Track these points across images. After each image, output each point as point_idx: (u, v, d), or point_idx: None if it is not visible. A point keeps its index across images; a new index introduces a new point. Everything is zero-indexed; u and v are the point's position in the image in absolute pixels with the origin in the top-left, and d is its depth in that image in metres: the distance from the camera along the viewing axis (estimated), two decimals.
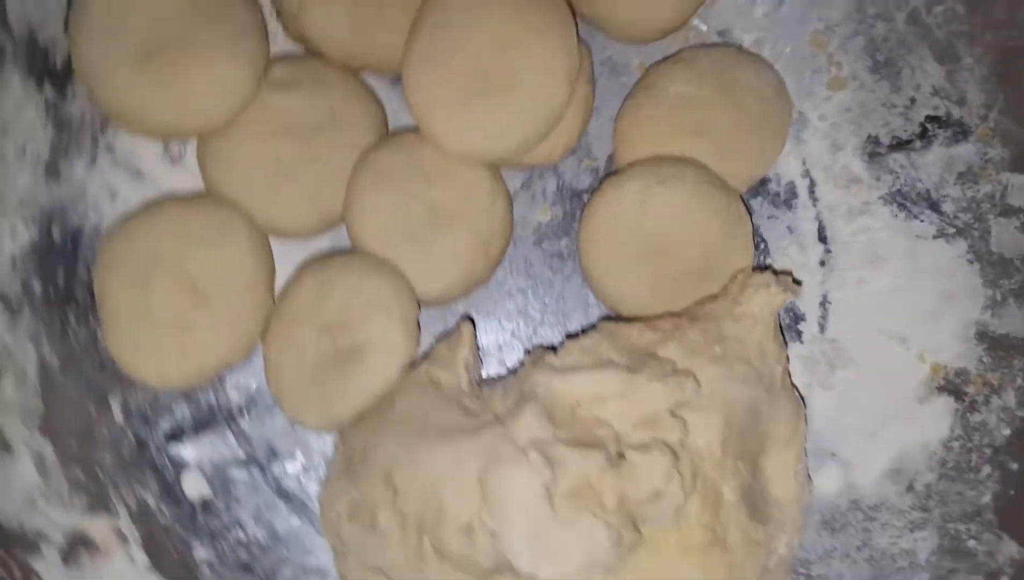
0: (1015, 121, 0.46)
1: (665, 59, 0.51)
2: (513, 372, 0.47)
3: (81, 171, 0.46)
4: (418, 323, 0.46)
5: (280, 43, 0.48)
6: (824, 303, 0.51)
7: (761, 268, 0.49)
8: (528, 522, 0.36)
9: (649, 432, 0.40)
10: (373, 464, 0.40)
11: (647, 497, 0.38)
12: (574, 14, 0.48)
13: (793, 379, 0.49)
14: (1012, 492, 0.42)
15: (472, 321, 0.48)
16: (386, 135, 0.49)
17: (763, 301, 0.45)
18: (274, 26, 0.48)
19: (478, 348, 0.48)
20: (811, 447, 0.48)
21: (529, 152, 0.48)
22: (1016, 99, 0.45)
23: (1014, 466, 0.42)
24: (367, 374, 0.44)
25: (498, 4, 0.45)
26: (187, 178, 0.48)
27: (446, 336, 0.47)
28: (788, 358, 0.45)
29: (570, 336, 0.45)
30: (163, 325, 0.44)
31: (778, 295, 0.44)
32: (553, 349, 0.44)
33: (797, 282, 0.48)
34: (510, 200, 0.49)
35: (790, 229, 0.52)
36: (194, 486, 0.47)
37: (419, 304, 0.47)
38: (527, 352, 0.46)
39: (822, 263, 0.52)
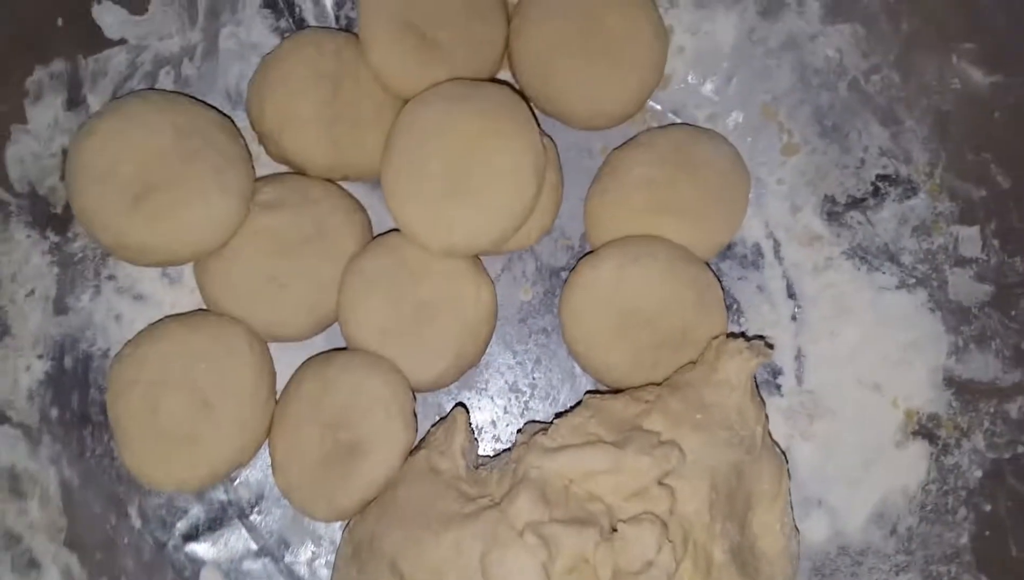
0: (959, 177, 0.48)
1: (626, 143, 0.54)
2: (508, 450, 0.49)
3: (87, 301, 0.49)
4: (415, 413, 0.48)
5: (264, 163, 0.51)
6: (799, 357, 0.53)
7: (734, 334, 0.51)
8: None
9: (639, 504, 0.42)
10: (379, 552, 0.41)
11: (640, 567, 0.40)
12: (535, 112, 0.51)
13: (775, 431, 0.51)
14: (988, 533, 0.43)
15: (465, 407, 0.50)
16: (370, 237, 0.52)
17: (738, 367, 0.47)
18: (256, 149, 0.50)
19: (472, 430, 0.50)
20: (797, 496, 0.50)
21: (506, 242, 0.50)
22: (957, 157, 0.48)
23: (987, 508, 0.44)
24: (370, 467, 0.46)
25: (465, 112, 0.48)
26: (186, 295, 0.51)
27: (441, 422, 0.48)
28: (767, 417, 0.47)
29: (559, 414, 0.47)
30: (174, 438, 0.46)
31: (751, 360, 0.46)
32: (544, 426, 0.46)
33: (769, 346, 0.50)
34: (493, 287, 0.52)
35: (760, 288, 0.54)
36: None
37: (415, 394, 0.49)
38: (519, 431, 0.48)
39: (794, 318, 0.54)
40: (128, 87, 0.49)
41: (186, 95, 0.50)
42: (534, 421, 0.50)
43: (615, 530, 0.41)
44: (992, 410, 0.45)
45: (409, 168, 0.48)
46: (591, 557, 0.40)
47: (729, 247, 0.55)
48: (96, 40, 0.47)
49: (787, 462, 0.47)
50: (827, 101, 0.53)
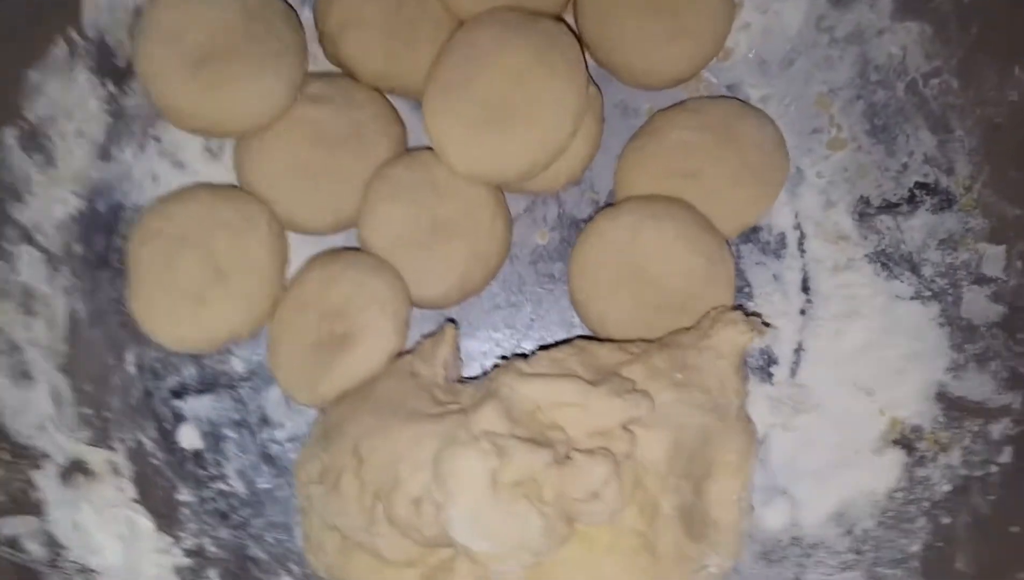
0: (997, 194, 0.48)
1: (672, 106, 0.55)
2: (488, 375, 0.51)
3: (130, 156, 0.53)
4: (408, 321, 0.50)
5: (320, 63, 0.54)
6: (799, 350, 0.54)
7: (736, 308, 0.51)
8: (470, 500, 0.40)
9: (599, 441, 0.44)
10: (345, 435, 0.44)
11: (585, 497, 0.42)
12: (586, 58, 0.52)
13: (758, 417, 0.52)
14: (940, 544, 0.43)
15: (456, 324, 0.53)
16: (404, 152, 0.54)
17: (730, 337, 0.48)
18: (315, 48, 0.53)
19: (459, 350, 0.52)
20: (765, 483, 0.51)
21: (532, 179, 0.52)
22: (999, 173, 0.48)
23: (947, 520, 0.44)
24: (356, 359, 0.49)
25: (516, 45, 0.49)
26: (222, 172, 0.54)
27: (432, 335, 0.51)
28: (748, 394, 0.48)
29: (544, 348, 0.49)
30: (183, 295, 0.50)
31: (744, 333, 0.47)
32: (526, 357, 0.48)
33: (766, 325, 0.51)
34: (510, 221, 0.54)
35: (776, 277, 0.55)
36: (189, 438, 0.53)
37: (412, 305, 0.51)
38: (504, 358, 0.50)
39: (802, 312, 0.54)
40: None
41: None
42: (520, 354, 0.52)
43: (569, 458, 0.43)
44: (976, 429, 0.45)
45: (452, 87, 0.50)
46: (539, 476, 0.41)
47: (754, 230, 0.56)
48: None
49: (759, 444, 0.48)
50: (882, 100, 0.53)
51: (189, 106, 0.49)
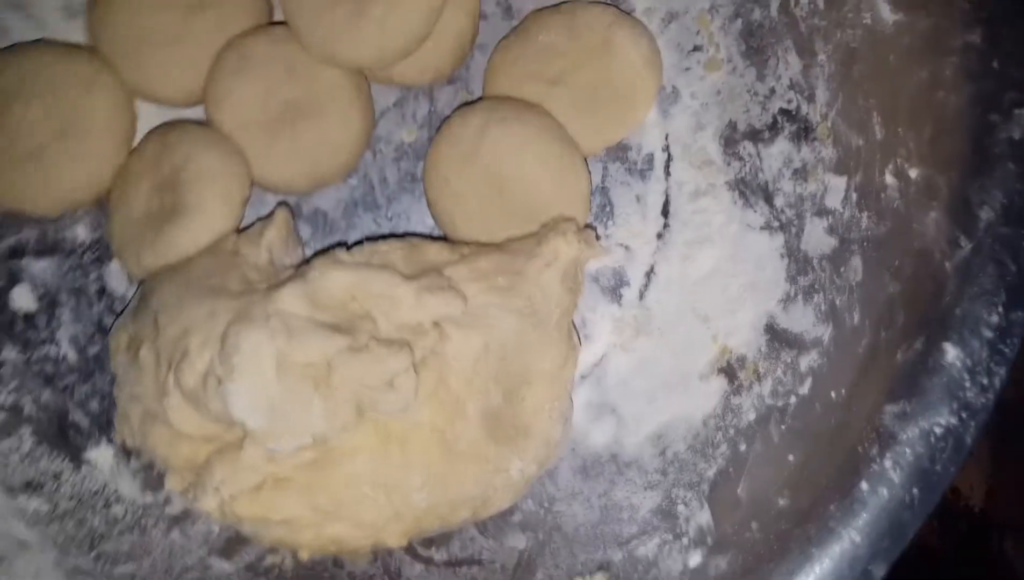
0: (846, 123, 0.46)
1: (547, 8, 0.52)
2: None
3: None
4: (245, 202, 0.49)
5: None
6: (650, 273, 0.53)
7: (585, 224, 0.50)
8: (250, 378, 0.40)
9: (407, 335, 0.43)
10: (149, 305, 0.43)
11: (378, 386, 0.41)
12: None
13: (601, 337, 0.52)
14: (730, 470, 0.43)
15: (290, 208, 0.51)
16: (265, 25, 0.51)
17: (560, 247, 0.46)
18: None
19: (299, 237, 0.51)
20: (597, 400, 0.50)
21: (393, 69, 0.50)
22: (849, 101, 0.46)
23: (742, 447, 0.43)
24: (179, 233, 0.48)
25: None
26: (80, 32, 0.51)
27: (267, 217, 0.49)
28: (575, 307, 0.47)
29: (370, 239, 0.47)
30: (20, 152, 0.48)
31: (572, 245, 0.46)
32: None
33: (597, 237, 0.49)
34: (370, 112, 0.52)
35: (638, 198, 0.54)
36: (22, 299, 0.51)
37: (261, 187, 0.49)
38: (335, 245, 0.49)
39: (659, 236, 0.53)
40: None
41: None
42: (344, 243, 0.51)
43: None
44: (789, 360, 0.45)
45: None
46: (333, 362, 0.41)
47: (625, 150, 0.54)
48: None
49: (579, 355, 0.47)
50: (758, 19, 0.51)
51: None
